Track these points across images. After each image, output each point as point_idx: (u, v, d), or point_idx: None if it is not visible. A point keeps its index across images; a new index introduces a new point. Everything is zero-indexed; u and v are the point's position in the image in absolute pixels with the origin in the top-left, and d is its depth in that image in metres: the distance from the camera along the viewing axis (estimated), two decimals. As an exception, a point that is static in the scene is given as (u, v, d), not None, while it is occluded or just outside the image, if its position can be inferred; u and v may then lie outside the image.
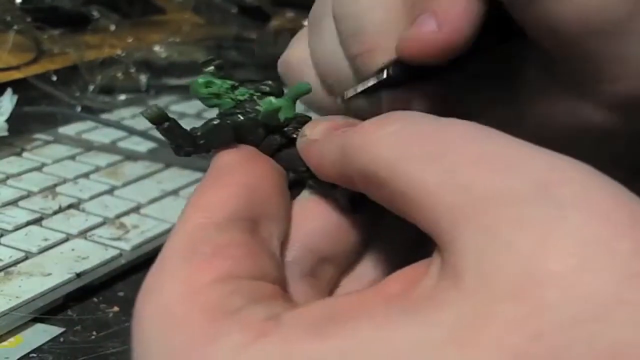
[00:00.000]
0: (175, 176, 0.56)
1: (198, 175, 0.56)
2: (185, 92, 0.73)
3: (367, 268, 0.27)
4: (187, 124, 0.26)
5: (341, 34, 0.28)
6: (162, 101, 0.72)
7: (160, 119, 0.26)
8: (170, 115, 0.26)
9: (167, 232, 0.48)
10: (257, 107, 0.27)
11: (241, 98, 0.27)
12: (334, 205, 0.26)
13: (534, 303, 0.17)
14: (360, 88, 0.27)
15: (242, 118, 0.26)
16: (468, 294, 0.18)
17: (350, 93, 0.27)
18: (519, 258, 0.18)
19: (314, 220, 0.26)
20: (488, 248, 0.18)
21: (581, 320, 0.17)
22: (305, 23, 0.33)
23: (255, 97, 0.27)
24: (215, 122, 0.26)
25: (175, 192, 0.54)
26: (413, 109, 0.27)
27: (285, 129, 0.26)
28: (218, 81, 0.27)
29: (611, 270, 0.17)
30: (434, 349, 0.18)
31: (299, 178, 0.26)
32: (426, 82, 0.27)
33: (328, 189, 0.25)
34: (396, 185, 0.21)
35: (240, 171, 0.25)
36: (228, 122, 0.26)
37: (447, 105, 0.27)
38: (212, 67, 0.28)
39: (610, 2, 0.24)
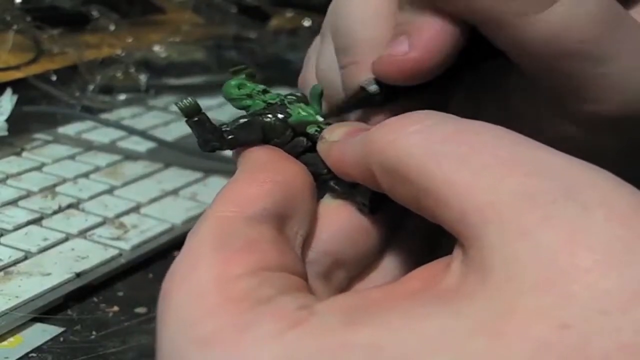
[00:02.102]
0: (175, 176, 0.56)
1: (198, 175, 0.56)
2: (185, 92, 0.73)
3: (380, 274, 0.27)
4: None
5: (335, 48, 0.29)
6: (161, 101, 0.72)
7: (192, 112, 0.26)
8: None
9: (167, 231, 0.49)
10: (287, 111, 0.27)
11: (272, 101, 0.28)
12: (352, 210, 0.26)
13: (560, 295, 0.18)
14: (344, 102, 0.28)
15: (272, 118, 0.27)
16: (496, 287, 0.19)
17: (338, 107, 0.28)
18: (546, 253, 0.18)
19: (333, 224, 0.26)
20: (517, 244, 0.19)
21: (606, 312, 0.17)
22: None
23: (285, 102, 0.28)
24: (245, 120, 0.27)
25: (175, 192, 0.54)
26: None
27: (310, 132, 0.27)
28: (250, 84, 0.29)
29: (632, 267, 0.18)
30: (463, 338, 0.18)
31: (321, 180, 0.26)
32: (409, 99, 0.27)
33: (348, 190, 0.26)
34: (422, 182, 0.21)
35: (273, 168, 0.25)
36: (258, 121, 0.27)
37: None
38: (243, 75, 0.29)
39: (576, 24, 0.25)
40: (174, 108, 0.70)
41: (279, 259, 0.23)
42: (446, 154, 0.21)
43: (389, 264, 0.27)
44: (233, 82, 0.29)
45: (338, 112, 0.28)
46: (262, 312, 0.20)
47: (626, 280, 0.18)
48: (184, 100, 0.26)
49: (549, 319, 0.18)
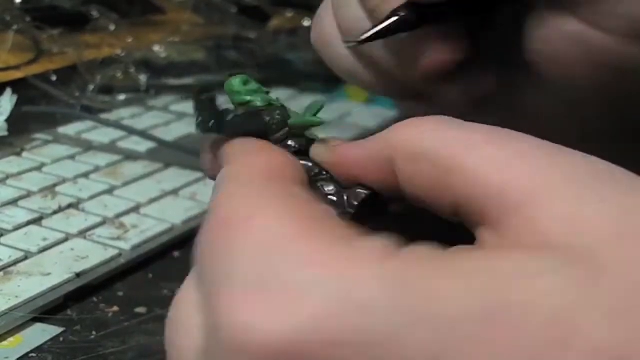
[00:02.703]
0: (175, 176, 0.56)
1: (198, 175, 0.56)
2: (185, 92, 0.73)
3: None
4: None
5: None
6: (161, 101, 0.72)
7: (203, 89, 0.26)
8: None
9: (167, 232, 0.49)
10: (288, 113, 0.28)
11: (273, 102, 0.28)
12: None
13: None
14: (375, 29, 0.28)
15: (272, 116, 0.27)
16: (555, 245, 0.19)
17: (364, 35, 0.28)
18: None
19: None
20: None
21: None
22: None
23: (285, 106, 0.28)
24: (250, 111, 0.27)
25: (175, 192, 0.54)
26: (432, 49, 0.29)
27: (307, 135, 0.27)
28: (255, 82, 0.28)
29: None
30: (548, 274, 0.19)
31: (311, 181, 0.26)
32: (440, 24, 0.28)
33: (337, 192, 0.25)
34: (455, 161, 0.22)
35: (264, 154, 0.25)
36: (261, 116, 0.27)
37: (461, 45, 0.29)
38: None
39: None
40: (174, 108, 0.70)
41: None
42: (482, 139, 0.22)
43: None
44: (238, 77, 0.28)
45: (366, 41, 0.28)
46: (357, 236, 0.20)
47: None
48: (203, 83, 0.26)
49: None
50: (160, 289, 0.44)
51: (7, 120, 0.58)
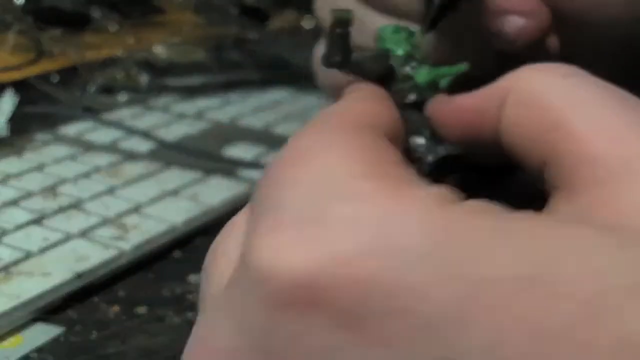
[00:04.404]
0: (176, 176, 0.56)
1: (198, 175, 0.56)
2: (185, 92, 0.73)
3: None
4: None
5: None
6: (162, 101, 0.72)
7: (340, 23, 0.26)
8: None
9: (167, 232, 0.49)
10: (420, 69, 0.27)
11: (414, 54, 0.28)
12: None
13: None
14: (429, 15, 0.29)
15: (402, 65, 0.27)
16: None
17: (428, 20, 0.29)
18: None
19: None
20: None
21: None
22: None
23: (430, 64, 0.28)
24: (377, 54, 0.27)
25: (175, 192, 0.54)
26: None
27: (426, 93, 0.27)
28: (405, 32, 0.28)
29: None
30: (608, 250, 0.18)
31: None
32: None
33: (424, 148, 0.26)
34: (565, 113, 0.21)
35: (365, 103, 0.25)
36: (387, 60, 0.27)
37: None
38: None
39: None
40: (175, 108, 0.71)
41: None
42: (600, 100, 0.21)
43: None
44: (391, 27, 0.28)
45: (432, 27, 0.28)
46: (419, 183, 0.20)
47: None
48: (341, 11, 0.25)
49: None
50: (160, 289, 0.44)
51: (8, 121, 0.58)
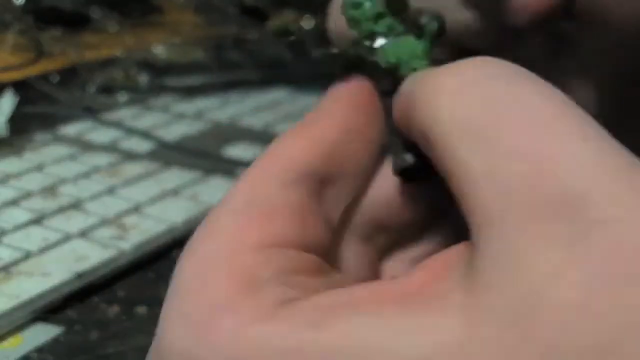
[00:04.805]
0: (176, 176, 0.56)
1: (198, 175, 0.56)
2: (184, 92, 0.73)
3: (421, 245, 0.26)
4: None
5: None
6: (162, 101, 0.72)
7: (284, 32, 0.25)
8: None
9: (167, 231, 0.49)
10: (387, 47, 0.25)
11: (379, 29, 0.25)
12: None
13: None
14: None
15: (366, 55, 0.25)
16: (472, 307, 0.18)
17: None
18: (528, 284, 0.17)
19: (378, 187, 0.25)
20: (505, 263, 0.17)
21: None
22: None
23: (393, 34, 0.25)
24: (334, 52, 0.26)
25: (175, 192, 0.54)
26: None
27: (404, 73, 0.24)
28: (368, 4, 0.25)
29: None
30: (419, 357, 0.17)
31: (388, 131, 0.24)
32: None
33: (399, 148, 0.24)
34: (443, 155, 0.20)
35: (336, 118, 0.24)
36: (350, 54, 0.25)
37: None
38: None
39: None
40: (174, 108, 0.71)
41: (300, 231, 0.22)
42: (471, 129, 0.19)
43: (432, 236, 0.26)
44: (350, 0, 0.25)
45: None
46: (249, 297, 0.20)
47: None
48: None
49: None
50: (160, 289, 0.44)
51: (8, 121, 0.58)
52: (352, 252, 0.24)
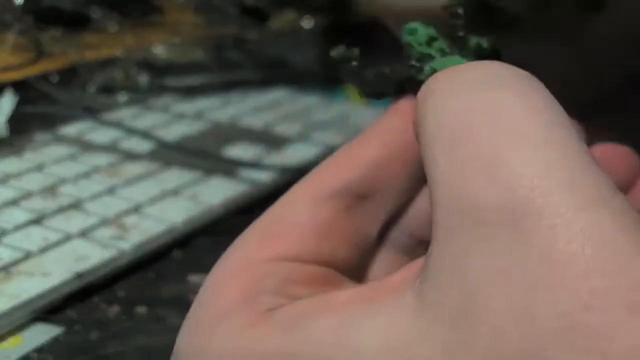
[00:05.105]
0: (176, 176, 0.56)
1: (198, 175, 0.56)
2: (185, 92, 0.73)
3: None
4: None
5: None
6: (162, 101, 0.72)
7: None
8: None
9: (167, 231, 0.49)
10: (434, 65, 0.25)
11: (432, 52, 0.26)
12: None
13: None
14: None
15: (415, 76, 0.25)
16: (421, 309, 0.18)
17: None
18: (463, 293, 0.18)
19: (419, 204, 0.25)
20: (450, 267, 0.18)
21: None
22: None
23: (445, 52, 0.26)
24: (386, 71, 0.26)
25: (175, 192, 0.54)
26: None
27: None
28: (422, 30, 0.26)
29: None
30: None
31: None
32: None
33: None
34: (424, 158, 0.20)
35: (380, 139, 0.24)
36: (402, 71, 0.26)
37: None
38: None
39: None
40: (175, 108, 0.71)
41: (314, 246, 0.23)
42: (445, 136, 0.19)
43: None
44: (410, 26, 0.26)
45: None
46: (247, 306, 0.21)
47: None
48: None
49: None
50: (160, 289, 0.44)
51: (8, 121, 0.58)
52: (390, 263, 0.25)
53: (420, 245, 0.26)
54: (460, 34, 0.26)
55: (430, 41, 0.26)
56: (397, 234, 0.25)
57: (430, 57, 0.26)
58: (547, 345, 0.16)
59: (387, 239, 0.26)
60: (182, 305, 0.42)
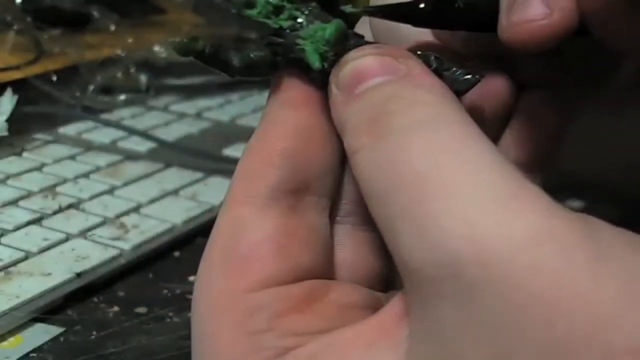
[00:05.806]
0: (175, 176, 0.56)
1: (198, 175, 0.56)
2: (185, 92, 0.73)
3: None
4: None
5: None
6: (162, 101, 0.72)
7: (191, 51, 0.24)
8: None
9: (167, 231, 0.49)
10: (300, 36, 0.24)
11: (283, 24, 0.25)
12: None
13: None
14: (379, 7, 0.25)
15: (280, 50, 0.24)
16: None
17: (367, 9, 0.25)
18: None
19: (349, 169, 0.24)
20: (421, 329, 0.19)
21: None
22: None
23: (300, 22, 0.25)
24: (252, 55, 0.25)
25: (175, 192, 0.54)
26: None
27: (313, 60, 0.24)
28: (262, 1, 0.25)
29: None
30: None
31: None
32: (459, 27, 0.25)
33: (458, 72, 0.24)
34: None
35: (284, 125, 0.24)
36: (267, 49, 0.25)
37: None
38: None
39: None
40: (174, 108, 0.71)
41: (286, 260, 0.22)
42: (404, 180, 0.20)
43: None
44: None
45: (364, 14, 0.25)
46: (247, 348, 0.21)
47: None
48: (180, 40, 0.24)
49: None
50: (160, 289, 0.44)
51: (8, 121, 0.58)
52: (352, 246, 0.25)
53: (365, 209, 0.24)
54: None
55: (277, 11, 0.25)
56: (347, 207, 0.25)
57: (289, 29, 0.24)
58: None
59: (337, 215, 0.25)
60: (182, 305, 0.42)
